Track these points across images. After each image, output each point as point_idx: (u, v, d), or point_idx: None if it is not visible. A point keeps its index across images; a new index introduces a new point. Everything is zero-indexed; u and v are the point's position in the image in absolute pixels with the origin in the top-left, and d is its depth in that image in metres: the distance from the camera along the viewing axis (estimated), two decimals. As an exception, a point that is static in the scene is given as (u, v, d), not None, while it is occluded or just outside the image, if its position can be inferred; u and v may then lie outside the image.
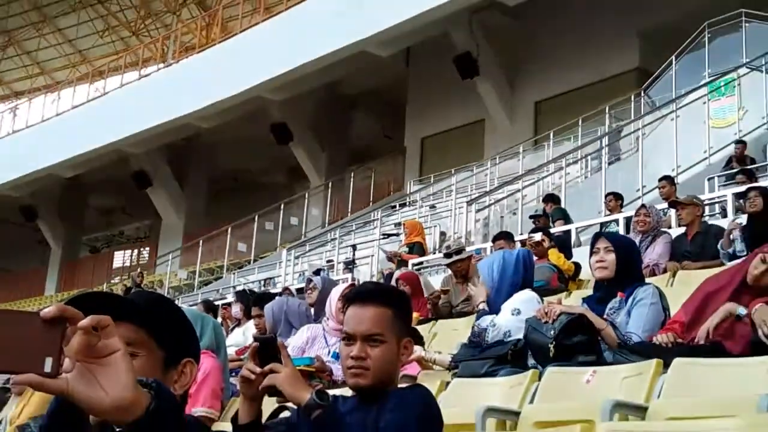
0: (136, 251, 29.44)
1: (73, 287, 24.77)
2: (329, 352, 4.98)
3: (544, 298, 4.57)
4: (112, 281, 22.41)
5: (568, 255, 7.41)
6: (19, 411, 5.62)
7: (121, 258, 29.25)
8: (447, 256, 6.60)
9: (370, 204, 19.20)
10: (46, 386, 1.11)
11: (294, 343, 5.06)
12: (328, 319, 4.95)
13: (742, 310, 3.23)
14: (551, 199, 11.18)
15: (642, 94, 14.78)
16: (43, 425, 3.18)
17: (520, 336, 3.88)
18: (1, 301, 25.86)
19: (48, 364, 1.10)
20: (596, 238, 4.17)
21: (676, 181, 10.01)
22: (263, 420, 2.38)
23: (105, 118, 22.80)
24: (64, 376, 1.11)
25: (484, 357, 3.93)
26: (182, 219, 24.60)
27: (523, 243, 7.80)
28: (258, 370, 2.20)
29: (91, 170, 24.23)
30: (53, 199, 26.63)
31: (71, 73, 34.26)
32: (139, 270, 19.35)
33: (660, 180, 9.68)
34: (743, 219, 6.81)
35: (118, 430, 1.22)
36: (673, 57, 14.15)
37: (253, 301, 6.99)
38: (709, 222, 7.61)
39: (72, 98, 27.91)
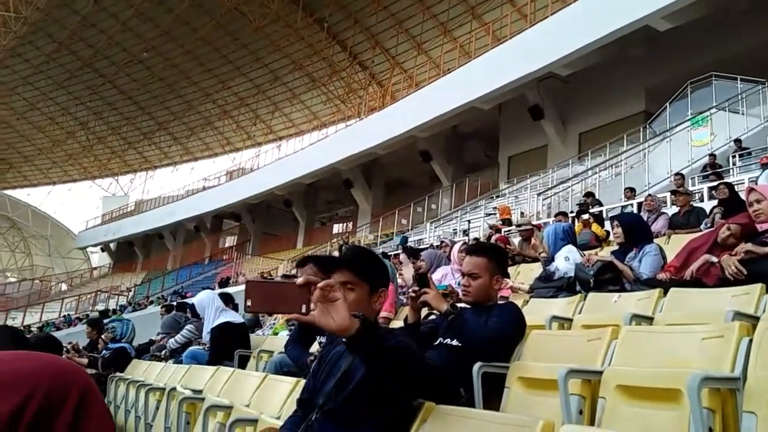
0: (344, 224, 30.12)
1: (311, 244, 25.70)
2: (456, 282, 5.02)
3: (586, 252, 4.42)
4: (332, 241, 23.04)
5: (602, 226, 7.14)
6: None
7: (337, 228, 30.04)
8: (518, 226, 6.62)
9: (478, 195, 18.94)
10: (303, 320, 1.37)
11: (435, 277, 5.11)
12: (453, 263, 4.98)
13: (714, 259, 3.07)
14: (590, 194, 10.80)
15: (647, 126, 13.99)
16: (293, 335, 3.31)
17: (571, 274, 3.78)
18: (270, 252, 27.17)
19: (303, 308, 1.32)
20: (612, 220, 4.07)
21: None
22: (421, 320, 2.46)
23: (329, 150, 23.51)
24: (312, 313, 1.31)
25: (548, 286, 3.86)
26: (370, 205, 24.97)
27: (572, 218, 7.58)
28: (418, 291, 2.27)
29: (320, 179, 25.01)
30: (301, 195, 27.61)
31: (308, 125, 35.53)
32: (347, 234, 19.87)
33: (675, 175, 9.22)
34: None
35: (342, 340, 1.40)
36: (668, 103, 13.30)
37: (413, 252, 7.05)
38: (693, 204, 7.16)
39: (309, 139, 28.95)
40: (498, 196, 17.25)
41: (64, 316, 24.13)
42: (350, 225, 28.30)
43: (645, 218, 6.48)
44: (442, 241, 7.18)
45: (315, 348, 3.40)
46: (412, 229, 19.36)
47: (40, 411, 0.87)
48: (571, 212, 8.80)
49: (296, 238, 28.75)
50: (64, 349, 4.50)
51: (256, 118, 37.25)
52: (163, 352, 5.67)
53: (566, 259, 3.88)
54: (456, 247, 4.89)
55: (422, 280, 2.33)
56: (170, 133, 40.41)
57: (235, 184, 29.28)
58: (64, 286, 37.66)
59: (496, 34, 20.17)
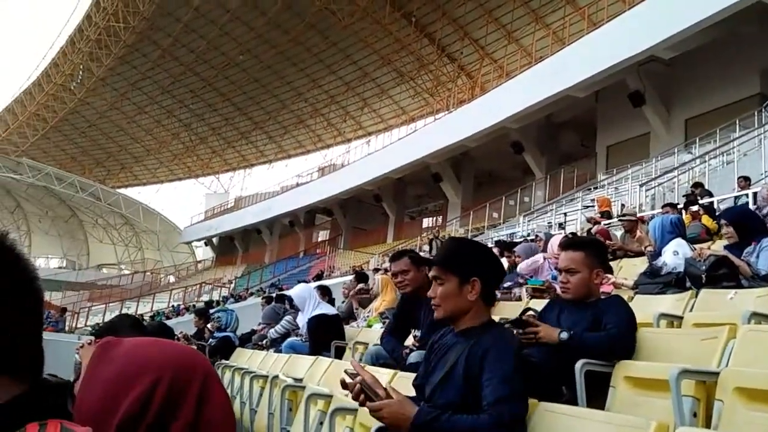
0: (434, 218, 30.04)
1: (401, 238, 25.86)
2: (551, 276, 4.92)
3: (697, 245, 4.16)
4: (422, 235, 23.05)
5: (713, 217, 6.69)
6: (379, 304, 6.01)
7: (426, 222, 30.03)
8: (620, 216, 6.40)
9: (574, 187, 18.28)
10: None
11: (526, 263, 5.11)
12: (552, 257, 4.86)
13: None
14: (699, 184, 10.13)
15: (763, 110, 12.91)
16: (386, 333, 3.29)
17: (681, 269, 3.57)
18: (361, 246, 27.61)
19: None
20: (718, 219, 3.83)
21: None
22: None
23: (417, 144, 23.54)
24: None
25: (655, 282, 3.66)
26: (459, 199, 24.75)
27: (680, 210, 7.14)
28: (525, 334, 2.15)
29: (411, 173, 25.09)
30: (390, 190, 27.84)
31: (396, 120, 35.75)
32: (437, 229, 19.84)
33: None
34: None
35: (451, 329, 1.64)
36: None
37: (507, 246, 6.95)
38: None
39: (398, 134, 29.15)
40: (596, 188, 16.55)
41: (173, 306, 25.77)
42: (440, 219, 28.22)
43: (765, 209, 6.00)
44: (536, 235, 7.01)
45: (410, 341, 3.44)
46: (504, 223, 19.02)
47: (168, 392, 0.93)
48: (678, 203, 8.29)
49: (386, 232, 29.03)
50: (176, 337, 4.82)
51: (345, 114, 38.00)
52: (265, 341, 5.94)
53: (675, 254, 3.66)
54: (554, 240, 4.75)
55: (521, 323, 2.24)
56: (266, 131, 42.08)
57: (326, 180, 30.02)
58: (172, 278, 40.27)
59: (592, 18, 19.30)
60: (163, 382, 0.92)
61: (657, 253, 4.23)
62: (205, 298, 24.81)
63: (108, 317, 20.88)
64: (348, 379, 1.65)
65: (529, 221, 15.64)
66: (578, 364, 2.03)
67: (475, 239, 17.33)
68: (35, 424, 0.52)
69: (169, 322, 17.77)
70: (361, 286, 6.57)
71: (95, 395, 0.90)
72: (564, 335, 2.09)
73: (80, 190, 41.39)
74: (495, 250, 7.81)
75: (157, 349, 1.00)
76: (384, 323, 4.97)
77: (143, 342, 1.04)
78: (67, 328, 19.23)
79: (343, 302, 7.22)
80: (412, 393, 1.88)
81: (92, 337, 2.89)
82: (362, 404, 1.63)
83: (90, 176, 45.52)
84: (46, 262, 48.77)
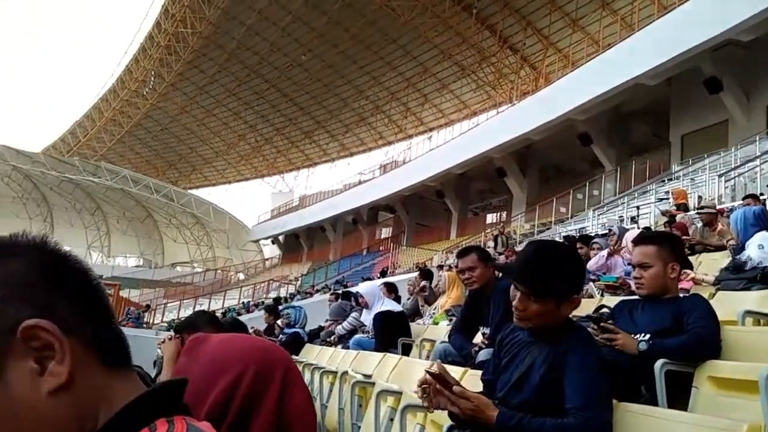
0: (498, 213, 29.61)
1: (464, 235, 25.64)
2: (623, 272, 4.81)
3: (784, 239, 3.92)
4: (486, 231, 22.77)
5: (801, 208, 6.28)
6: (444, 301, 5.99)
7: (490, 218, 29.64)
8: (699, 209, 6.15)
9: (646, 179, 17.57)
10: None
11: (594, 261, 5.00)
12: (626, 252, 4.73)
13: None
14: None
15: None
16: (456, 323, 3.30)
17: (767, 264, 3.38)
18: (425, 243, 27.55)
19: None
20: None
21: None
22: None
23: (479, 138, 23.30)
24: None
25: (739, 278, 3.48)
26: (525, 194, 24.29)
27: (763, 202, 6.73)
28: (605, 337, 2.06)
29: (473, 168, 24.84)
30: (453, 186, 27.61)
31: (458, 114, 35.46)
32: (501, 224, 19.57)
33: None
34: None
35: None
36: None
37: (581, 239, 6.77)
38: None
39: (459, 129, 28.91)
40: (670, 179, 15.85)
41: (243, 302, 26.54)
42: (504, 214, 27.79)
43: None
44: (609, 229, 6.77)
45: (478, 338, 3.42)
46: (572, 218, 18.52)
47: (253, 384, 0.98)
48: (761, 194, 7.83)
49: (449, 228, 28.85)
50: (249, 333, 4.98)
51: (406, 111, 38.03)
52: (332, 337, 6.05)
53: (760, 247, 3.46)
54: (629, 235, 4.61)
55: (598, 321, 2.17)
56: (328, 130, 42.73)
57: (388, 177, 30.15)
58: (241, 276, 41.55)
59: (662, 2, 18.49)
60: (248, 374, 0.97)
61: (740, 247, 4.03)
62: (273, 294, 25.42)
63: (183, 314, 21.81)
64: (427, 376, 1.62)
65: (598, 215, 15.18)
66: (657, 364, 1.96)
67: (543, 236, 16.97)
68: (164, 420, 0.56)
69: (239, 318, 18.29)
70: (424, 283, 6.56)
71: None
72: (642, 346, 2.00)
73: (154, 192, 43.30)
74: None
75: (241, 345, 1.06)
76: (450, 320, 4.96)
77: (229, 338, 1.10)
78: (144, 324, 20.17)
79: (408, 299, 7.25)
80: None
81: (172, 333, 3.04)
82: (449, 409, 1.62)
83: (163, 178, 47.58)
84: (125, 261, 51.44)
